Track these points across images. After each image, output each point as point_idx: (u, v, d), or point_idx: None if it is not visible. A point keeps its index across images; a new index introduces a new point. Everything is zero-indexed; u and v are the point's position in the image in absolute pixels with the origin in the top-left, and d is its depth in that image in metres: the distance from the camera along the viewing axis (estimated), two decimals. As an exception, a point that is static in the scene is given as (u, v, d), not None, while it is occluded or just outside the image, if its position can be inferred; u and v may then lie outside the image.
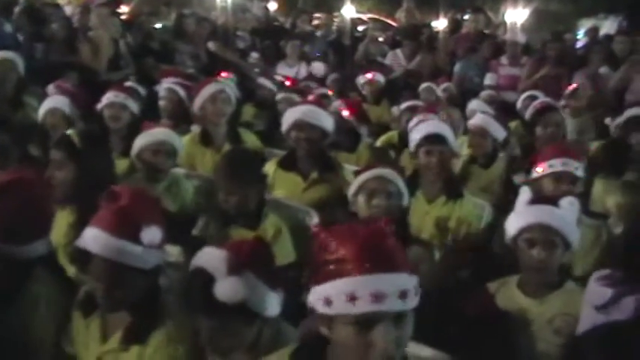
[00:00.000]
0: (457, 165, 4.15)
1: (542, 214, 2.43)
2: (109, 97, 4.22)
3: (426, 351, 2.13)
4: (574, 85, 5.94)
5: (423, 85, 6.33)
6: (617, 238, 3.07)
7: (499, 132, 4.36)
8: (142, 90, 4.93)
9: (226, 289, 1.77)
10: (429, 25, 9.91)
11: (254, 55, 8.08)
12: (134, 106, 4.26)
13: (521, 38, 7.79)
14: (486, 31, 8.78)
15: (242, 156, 3.16)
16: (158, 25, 7.87)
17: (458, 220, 3.29)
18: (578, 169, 3.12)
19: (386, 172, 2.82)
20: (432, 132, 3.42)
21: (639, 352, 2.05)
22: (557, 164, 3.12)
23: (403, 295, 1.42)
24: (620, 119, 4.55)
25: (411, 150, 3.54)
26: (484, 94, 6.25)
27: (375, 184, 2.78)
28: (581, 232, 2.56)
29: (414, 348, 2.01)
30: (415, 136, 3.46)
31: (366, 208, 2.76)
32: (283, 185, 3.65)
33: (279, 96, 5.49)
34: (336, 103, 4.82)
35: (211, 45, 7.51)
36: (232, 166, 2.94)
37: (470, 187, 3.87)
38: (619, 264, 2.23)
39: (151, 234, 2.00)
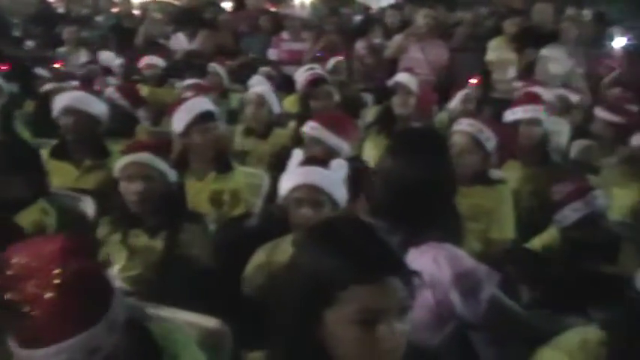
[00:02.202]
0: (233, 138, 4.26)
1: (310, 174, 2.56)
2: None
3: (191, 316, 2.15)
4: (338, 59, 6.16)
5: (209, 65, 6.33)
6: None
7: (275, 105, 4.52)
8: None
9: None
10: (213, 4, 9.87)
11: (29, 44, 7.62)
12: None
13: (301, 13, 8.03)
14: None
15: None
16: None
17: (232, 192, 3.36)
18: None
19: (142, 156, 2.76)
20: (201, 111, 3.44)
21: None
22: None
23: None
24: (390, 83, 4.90)
25: (180, 130, 3.47)
26: (263, 69, 6.37)
27: (131, 170, 2.74)
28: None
29: (178, 314, 2.05)
30: (184, 116, 3.45)
31: (127, 194, 2.73)
32: (56, 174, 3.51)
33: (50, 86, 5.22)
34: (109, 90, 4.72)
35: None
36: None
37: (249, 158, 3.98)
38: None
39: None
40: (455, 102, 5.13)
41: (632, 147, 3.85)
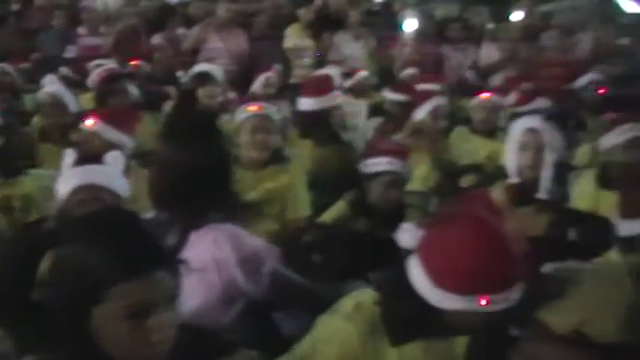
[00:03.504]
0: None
1: (87, 174, 2.50)
2: None
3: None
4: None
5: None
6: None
7: (72, 104, 4.38)
8: None
9: None
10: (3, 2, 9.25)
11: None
12: None
13: (100, 5, 7.78)
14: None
15: None
16: None
17: (22, 198, 3.28)
18: None
19: None
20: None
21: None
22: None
23: None
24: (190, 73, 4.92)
25: None
26: (62, 69, 6.12)
27: None
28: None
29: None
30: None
31: None
32: None
33: None
34: None
35: None
36: None
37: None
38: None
39: None
40: (256, 86, 5.24)
41: (414, 122, 4.17)
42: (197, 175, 2.03)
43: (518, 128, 3.06)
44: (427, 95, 4.47)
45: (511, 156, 3.03)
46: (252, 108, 3.27)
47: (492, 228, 1.57)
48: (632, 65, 7.06)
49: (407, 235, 1.66)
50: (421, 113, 4.17)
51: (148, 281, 1.33)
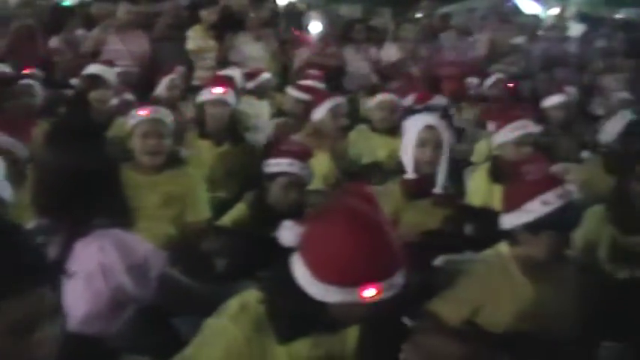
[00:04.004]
0: None
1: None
2: None
3: None
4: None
5: None
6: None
7: None
8: None
9: None
10: None
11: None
12: None
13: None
14: None
15: None
16: None
17: None
18: None
19: None
20: None
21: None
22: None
23: None
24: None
25: None
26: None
27: None
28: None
29: None
30: None
31: None
32: None
33: None
34: None
35: None
36: None
37: None
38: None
39: None
40: (160, 88, 5.16)
41: (313, 121, 4.20)
42: (78, 179, 1.97)
43: (415, 125, 3.13)
44: (326, 95, 4.50)
45: (409, 152, 3.09)
46: (143, 113, 3.19)
47: (368, 219, 1.58)
48: (526, 64, 7.37)
49: (288, 232, 1.66)
50: (320, 112, 4.20)
51: (30, 298, 1.30)
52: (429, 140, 3.06)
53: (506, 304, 2.30)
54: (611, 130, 4.05)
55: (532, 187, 2.25)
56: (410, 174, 3.08)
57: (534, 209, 2.21)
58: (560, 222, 2.22)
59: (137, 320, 2.11)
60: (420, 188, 3.08)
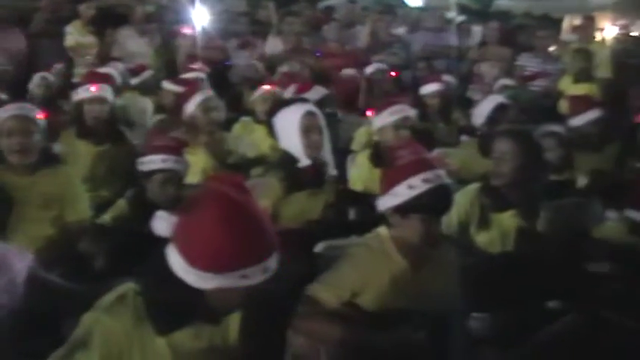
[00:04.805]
0: None
1: None
2: None
3: None
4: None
5: None
6: None
7: None
8: None
9: None
10: None
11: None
12: None
13: None
14: None
15: None
16: None
17: None
18: None
19: None
20: None
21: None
22: None
23: None
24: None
25: None
26: None
27: None
28: None
29: None
30: None
31: None
32: None
33: None
34: None
35: None
36: None
37: None
38: None
39: None
40: (31, 86, 4.98)
41: (186, 116, 4.14)
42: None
43: (295, 113, 3.14)
44: (195, 87, 4.43)
45: (294, 139, 3.09)
46: (8, 109, 3.06)
47: (238, 204, 1.60)
48: (406, 54, 7.57)
49: (161, 222, 1.66)
50: (190, 108, 4.12)
51: None
52: (312, 125, 3.10)
53: (385, 285, 2.35)
54: (480, 113, 4.24)
55: (400, 172, 2.29)
56: (304, 161, 3.08)
57: (401, 193, 2.26)
58: (427, 205, 2.26)
59: (18, 325, 2.05)
60: (315, 174, 3.11)
